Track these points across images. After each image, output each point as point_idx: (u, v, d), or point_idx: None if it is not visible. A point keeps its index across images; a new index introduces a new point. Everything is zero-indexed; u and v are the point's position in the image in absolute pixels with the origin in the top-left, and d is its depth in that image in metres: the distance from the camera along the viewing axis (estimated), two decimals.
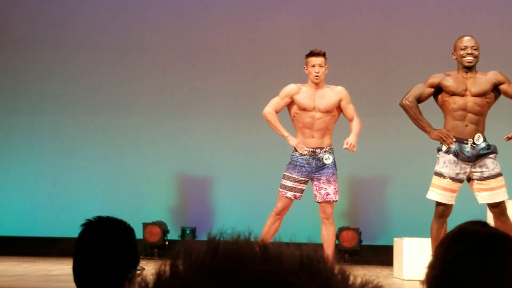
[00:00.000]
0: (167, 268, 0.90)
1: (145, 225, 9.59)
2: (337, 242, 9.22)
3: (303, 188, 7.41)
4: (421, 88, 6.71)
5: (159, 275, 0.90)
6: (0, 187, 10.20)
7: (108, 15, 10.26)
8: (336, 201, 7.46)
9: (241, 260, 0.88)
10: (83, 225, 2.81)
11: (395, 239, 7.84)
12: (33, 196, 10.13)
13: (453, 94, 6.60)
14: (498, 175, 6.58)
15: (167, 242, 9.73)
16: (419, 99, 6.70)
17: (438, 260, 2.04)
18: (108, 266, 2.55)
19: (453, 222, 6.47)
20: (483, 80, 6.62)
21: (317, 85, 7.43)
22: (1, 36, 10.30)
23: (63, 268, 7.76)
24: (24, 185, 10.16)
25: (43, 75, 10.22)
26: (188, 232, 9.84)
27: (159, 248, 9.68)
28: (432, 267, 2.05)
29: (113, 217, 2.83)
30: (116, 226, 2.74)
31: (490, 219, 6.66)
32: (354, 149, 7.40)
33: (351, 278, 0.91)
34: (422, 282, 5.93)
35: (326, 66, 7.47)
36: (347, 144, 7.36)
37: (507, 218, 6.57)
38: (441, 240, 2.09)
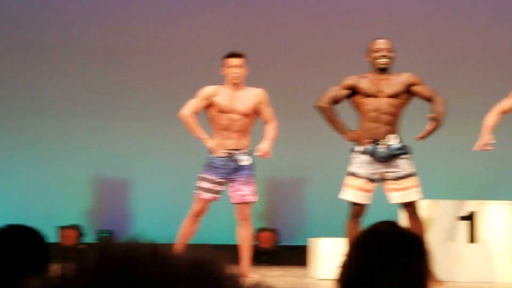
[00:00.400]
0: (59, 272, 0.89)
1: (60, 229, 9.48)
2: (255, 243, 9.26)
3: (221, 189, 7.43)
4: (336, 90, 6.80)
5: (48, 280, 0.88)
6: None
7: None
8: (255, 202, 7.50)
9: (131, 264, 0.88)
10: None
11: (310, 239, 7.92)
12: None
13: (367, 95, 6.71)
14: (411, 175, 6.71)
15: (83, 246, 9.63)
16: (334, 101, 6.79)
17: (351, 259, 2.09)
18: (17, 274, 2.53)
19: (368, 222, 6.57)
20: (397, 81, 6.74)
21: (235, 86, 7.45)
22: None
23: None
24: None
25: None
26: (104, 235, 9.76)
27: (75, 252, 9.58)
28: (345, 266, 2.09)
29: (23, 225, 2.80)
30: (25, 233, 2.71)
31: (401, 219, 6.79)
32: (268, 156, 7.44)
33: (243, 281, 0.93)
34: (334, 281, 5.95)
35: (246, 67, 7.49)
36: (260, 151, 7.38)
37: (419, 217, 6.71)
38: (354, 240, 2.14)
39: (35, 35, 10.03)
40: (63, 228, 9.54)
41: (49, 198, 9.81)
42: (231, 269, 0.88)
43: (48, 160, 9.94)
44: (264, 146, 7.38)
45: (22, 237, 2.65)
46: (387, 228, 2.15)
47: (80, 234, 9.66)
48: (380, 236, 2.10)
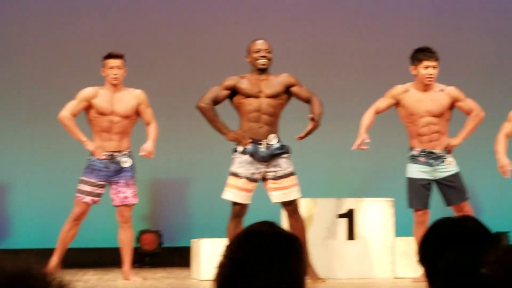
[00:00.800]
0: None
1: None
2: (137, 245, 9.21)
3: (101, 192, 7.37)
4: (217, 91, 6.84)
5: None
6: None
7: None
8: (135, 204, 7.46)
9: None
10: None
11: (192, 240, 7.93)
12: None
13: (247, 96, 6.77)
14: (291, 174, 6.80)
15: None
16: (215, 101, 6.82)
17: (228, 259, 2.11)
18: None
19: (249, 221, 6.62)
20: (276, 82, 6.83)
21: (115, 87, 7.40)
22: None
23: None
24: None
25: None
26: None
27: None
28: (222, 266, 2.11)
29: None
30: None
31: (283, 218, 6.87)
32: (152, 156, 7.43)
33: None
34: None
35: (125, 68, 7.45)
36: (144, 151, 7.38)
37: (299, 215, 6.80)
38: (231, 240, 2.16)
39: None
40: None
41: None
42: (60, 278, 0.87)
43: None
44: (148, 146, 7.37)
45: None
46: (264, 228, 2.17)
47: None
48: (256, 236, 2.12)
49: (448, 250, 2.14)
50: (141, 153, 7.37)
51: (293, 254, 2.10)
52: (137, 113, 7.46)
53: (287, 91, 6.86)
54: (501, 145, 7.19)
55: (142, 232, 9.57)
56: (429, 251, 2.19)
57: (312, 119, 6.72)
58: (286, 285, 2.06)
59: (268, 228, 2.17)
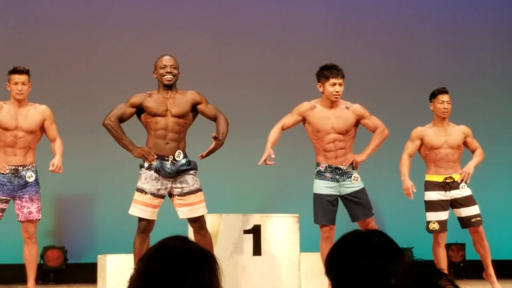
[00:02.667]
0: None
1: None
2: (41, 262, 9.09)
3: (5, 207, 7.26)
4: (123, 108, 6.81)
5: None
6: None
7: None
8: (39, 220, 7.38)
9: None
10: None
11: (99, 256, 7.87)
12: None
13: (154, 115, 6.77)
14: (198, 190, 6.81)
15: None
16: (121, 119, 6.80)
17: (140, 272, 2.12)
18: None
19: (156, 237, 6.61)
20: (182, 100, 6.84)
21: (20, 103, 7.32)
22: None
23: None
24: None
25: None
26: None
27: None
28: (134, 279, 2.12)
29: None
30: None
31: (190, 234, 6.88)
32: (60, 171, 7.37)
33: None
34: None
35: (30, 83, 7.38)
36: (52, 166, 7.31)
37: (206, 231, 6.81)
38: (144, 253, 2.17)
39: None
40: None
41: None
42: None
43: None
44: (56, 161, 7.31)
45: None
46: (177, 243, 2.18)
47: None
48: (169, 250, 2.14)
49: (357, 262, 2.20)
50: (51, 168, 7.31)
51: (206, 269, 2.12)
52: (42, 128, 7.39)
53: (194, 109, 6.88)
54: (405, 166, 7.39)
55: (47, 249, 9.45)
56: (337, 263, 2.24)
57: (215, 138, 6.75)
58: None
59: (181, 243, 2.18)
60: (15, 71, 7.36)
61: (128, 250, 7.04)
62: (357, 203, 7.17)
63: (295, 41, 10.42)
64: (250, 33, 10.39)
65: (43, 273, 9.09)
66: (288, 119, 7.23)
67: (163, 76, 6.81)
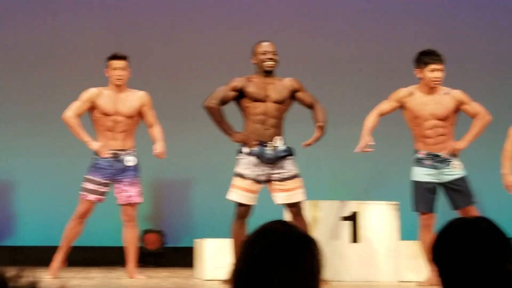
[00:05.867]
0: None
1: None
2: (140, 245, 9.23)
3: (106, 190, 7.39)
4: (224, 91, 6.81)
5: None
6: None
7: None
8: (140, 203, 7.49)
9: None
10: None
11: (196, 240, 7.94)
12: None
13: (254, 100, 6.76)
14: (296, 176, 6.81)
15: None
16: (223, 102, 6.79)
17: (243, 255, 2.13)
18: None
19: (253, 223, 6.63)
20: (281, 87, 6.82)
21: (119, 88, 7.43)
22: None
23: None
24: None
25: None
26: None
27: None
28: (238, 262, 2.13)
29: None
30: None
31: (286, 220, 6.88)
32: (164, 156, 7.47)
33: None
34: (223, 281, 6.06)
35: (129, 69, 7.48)
36: (157, 150, 7.41)
37: (303, 217, 6.80)
38: (247, 237, 2.18)
39: None
40: None
41: None
42: (21, 277, 0.84)
43: None
44: (160, 146, 7.41)
45: None
46: (279, 227, 2.18)
47: None
48: (271, 234, 2.14)
49: (464, 248, 2.16)
50: (154, 152, 7.41)
51: (308, 253, 2.12)
52: (140, 114, 7.48)
53: (292, 96, 6.86)
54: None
55: (145, 232, 9.59)
56: (444, 250, 2.21)
57: (319, 127, 6.73)
58: (301, 283, 2.07)
59: (283, 227, 2.18)
60: (114, 57, 7.47)
61: (224, 235, 7.09)
62: (458, 191, 7.06)
63: (391, 25, 10.30)
64: (346, 19, 10.31)
65: (142, 256, 9.23)
66: (385, 106, 7.15)
67: (264, 62, 6.79)
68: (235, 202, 6.75)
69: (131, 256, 7.46)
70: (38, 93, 9.80)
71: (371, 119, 7.07)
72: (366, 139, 6.97)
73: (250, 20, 10.18)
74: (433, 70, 7.03)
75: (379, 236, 7.45)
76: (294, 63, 9.65)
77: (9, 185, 9.80)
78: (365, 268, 7.39)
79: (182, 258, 9.13)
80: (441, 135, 7.09)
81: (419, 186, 7.05)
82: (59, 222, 7.85)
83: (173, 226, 9.87)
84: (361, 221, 7.44)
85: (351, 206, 7.48)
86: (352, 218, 7.44)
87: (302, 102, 6.88)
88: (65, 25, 9.93)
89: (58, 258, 7.38)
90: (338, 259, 7.34)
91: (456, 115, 7.14)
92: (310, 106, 6.88)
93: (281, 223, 2.22)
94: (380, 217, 7.49)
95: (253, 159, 6.73)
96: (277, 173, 6.76)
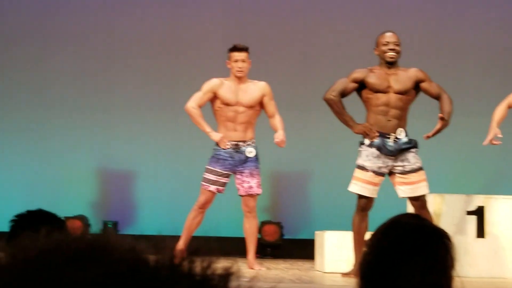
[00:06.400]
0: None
1: (66, 219, 9.44)
2: (259, 236, 9.24)
3: (226, 181, 7.42)
4: (345, 83, 6.75)
5: None
6: None
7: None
8: (259, 194, 7.49)
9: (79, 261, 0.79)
10: (13, 220, 2.75)
11: (316, 232, 7.90)
12: None
13: (376, 91, 6.67)
14: (419, 169, 6.68)
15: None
16: (343, 94, 6.74)
17: (373, 247, 2.08)
18: None
19: (373, 215, 6.54)
20: (405, 77, 6.70)
21: (240, 79, 7.44)
22: None
23: None
24: None
25: None
26: (109, 226, 9.75)
27: None
28: (367, 253, 2.09)
29: (42, 210, 2.78)
30: (47, 218, 2.70)
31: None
32: (284, 145, 7.45)
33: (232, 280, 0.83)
34: (343, 274, 6.04)
35: (249, 60, 7.49)
36: (278, 138, 7.39)
37: (427, 211, 6.67)
38: (376, 229, 2.13)
39: (40, 28, 10.01)
40: (69, 218, 9.53)
41: (56, 189, 9.80)
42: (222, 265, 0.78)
43: (55, 152, 9.93)
44: (280, 134, 7.39)
45: (44, 222, 2.62)
46: (411, 220, 2.14)
47: (86, 225, 9.64)
48: (402, 226, 2.10)
49: None
50: (276, 140, 7.40)
51: (440, 247, 2.06)
52: (261, 104, 7.47)
53: (416, 87, 6.73)
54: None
55: (264, 223, 9.60)
56: None
57: (442, 118, 6.58)
58: (432, 278, 2.01)
59: (414, 220, 2.14)
60: (235, 48, 7.48)
61: (344, 227, 7.01)
62: None
63: None
64: (472, 6, 10.08)
65: (261, 247, 9.24)
66: None
67: (386, 53, 6.70)
68: (356, 194, 6.67)
69: (251, 247, 7.47)
70: (158, 85, 9.93)
71: (499, 111, 6.86)
72: (494, 131, 6.77)
73: (374, 10, 10.06)
74: None
75: (507, 232, 7.21)
76: (422, 53, 9.49)
77: (132, 175, 9.97)
78: (491, 264, 7.18)
79: (300, 250, 9.11)
80: None
81: None
82: (180, 211, 7.92)
83: (291, 218, 9.85)
84: (488, 216, 7.23)
85: (477, 200, 7.27)
86: (478, 212, 7.24)
87: (428, 93, 6.74)
88: (186, 18, 10.02)
89: (179, 247, 7.45)
90: (463, 254, 7.16)
91: None
92: (436, 97, 6.73)
93: (412, 216, 2.18)
94: (507, 212, 7.25)
95: (374, 150, 6.64)
96: (400, 165, 6.65)
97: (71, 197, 9.76)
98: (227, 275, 0.81)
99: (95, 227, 9.70)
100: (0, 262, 0.75)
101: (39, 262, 0.75)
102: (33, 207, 2.97)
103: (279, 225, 9.70)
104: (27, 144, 9.95)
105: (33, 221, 2.65)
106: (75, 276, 0.74)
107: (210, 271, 0.80)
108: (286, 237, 9.71)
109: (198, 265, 0.79)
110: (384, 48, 6.71)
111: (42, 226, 2.60)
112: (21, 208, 2.95)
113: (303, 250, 8.76)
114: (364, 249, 2.13)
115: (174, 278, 0.77)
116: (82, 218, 9.63)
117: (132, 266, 0.77)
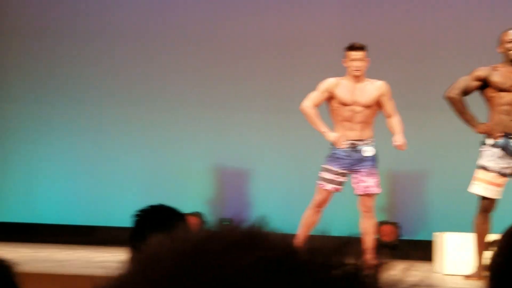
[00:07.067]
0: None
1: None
2: (376, 236, 9.16)
3: (344, 180, 7.36)
4: (467, 81, 6.62)
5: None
6: (41, 176, 10.24)
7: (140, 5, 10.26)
8: (378, 193, 7.41)
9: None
10: (137, 215, 2.80)
11: (435, 233, 7.77)
12: (72, 186, 10.16)
13: (499, 90, 6.51)
14: None
15: None
16: (465, 92, 6.60)
17: (503, 248, 2.02)
18: None
19: (497, 216, 6.39)
20: None
21: (357, 78, 7.37)
22: (42, 28, 10.33)
23: (105, 256, 7.76)
24: (65, 174, 10.18)
25: (81, 67, 10.24)
26: (225, 223, 9.83)
27: None
28: (497, 255, 2.03)
29: (164, 205, 2.81)
30: (169, 213, 2.73)
31: None
32: (404, 148, 7.32)
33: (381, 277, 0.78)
34: (466, 277, 5.87)
35: (367, 59, 7.41)
36: (397, 142, 7.26)
37: None
38: (507, 230, 2.06)
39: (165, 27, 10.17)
40: (186, 215, 9.66)
41: (173, 186, 9.94)
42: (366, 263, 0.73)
43: (172, 149, 10.07)
44: (400, 138, 7.27)
45: (167, 215, 2.65)
46: None
47: (202, 222, 9.75)
48: None
49: None
50: (395, 143, 7.29)
51: None
52: (379, 104, 7.38)
53: None
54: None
55: (381, 223, 9.51)
56: None
57: None
58: None
59: None
60: (352, 47, 7.40)
61: (463, 229, 6.88)
62: None
63: None
64: None
65: (377, 247, 9.15)
66: None
67: (510, 50, 6.53)
68: (478, 195, 6.52)
69: (369, 246, 7.40)
70: (275, 85, 9.96)
71: None
72: None
73: (499, 6, 9.84)
74: None
75: None
76: None
77: (248, 174, 10.02)
78: None
79: (417, 251, 8.98)
80: None
81: None
82: (295, 210, 7.91)
83: (409, 219, 9.72)
84: None
85: None
86: None
87: None
88: (302, 18, 10.02)
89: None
90: None
91: None
92: None
93: None
94: None
95: (497, 151, 6.48)
96: None
97: (188, 194, 9.89)
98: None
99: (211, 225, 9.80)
100: (160, 254, 0.76)
101: (197, 251, 0.75)
102: (150, 203, 3.01)
103: (396, 225, 9.59)
104: (145, 142, 10.12)
105: (156, 216, 2.69)
106: (233, 263, 0.73)
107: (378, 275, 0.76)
108: (403, 237, 9.59)
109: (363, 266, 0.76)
110: (508, 45, 6.55)
111: (165, 221, 2.63)
112: (141, 205, 2.99)
113: (421, 251, 8.64)
114: (494, 250, 2.07)
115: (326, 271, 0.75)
116: (198, 215, 9.74)
117: (286, 253, 0.76)
